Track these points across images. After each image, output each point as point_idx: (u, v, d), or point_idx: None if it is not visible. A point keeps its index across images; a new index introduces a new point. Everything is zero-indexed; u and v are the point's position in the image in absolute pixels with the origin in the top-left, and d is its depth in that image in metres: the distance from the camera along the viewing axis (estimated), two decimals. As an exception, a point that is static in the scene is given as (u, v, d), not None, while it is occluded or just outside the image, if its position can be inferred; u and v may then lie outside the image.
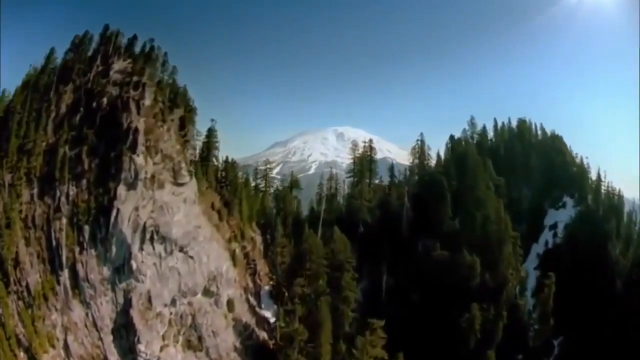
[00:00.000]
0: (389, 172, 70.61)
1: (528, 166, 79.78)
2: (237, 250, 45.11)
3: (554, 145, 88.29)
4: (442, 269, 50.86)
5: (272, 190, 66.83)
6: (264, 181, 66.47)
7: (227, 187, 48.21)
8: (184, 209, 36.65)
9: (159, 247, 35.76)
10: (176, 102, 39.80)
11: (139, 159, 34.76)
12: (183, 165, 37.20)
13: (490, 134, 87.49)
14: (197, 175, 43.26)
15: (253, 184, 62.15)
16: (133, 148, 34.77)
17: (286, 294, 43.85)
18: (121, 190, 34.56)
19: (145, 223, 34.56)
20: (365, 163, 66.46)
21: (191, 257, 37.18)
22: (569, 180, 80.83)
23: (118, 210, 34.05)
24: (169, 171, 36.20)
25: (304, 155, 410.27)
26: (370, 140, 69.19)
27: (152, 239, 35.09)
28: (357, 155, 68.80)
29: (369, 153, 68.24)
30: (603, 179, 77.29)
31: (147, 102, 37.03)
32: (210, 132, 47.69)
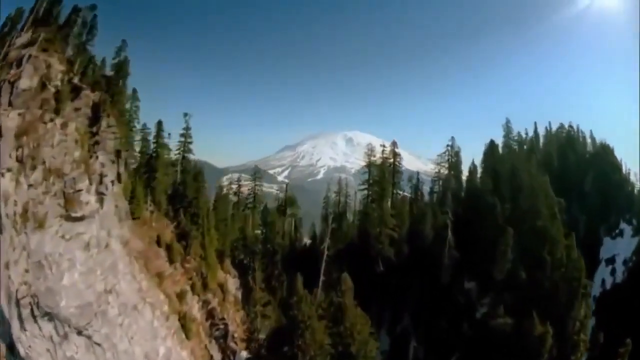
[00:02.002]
0: (410, 184, 52.77)
1: (583, 184, 61.31)
2: (196, 309, 28.06)
3: (608, 159, 69.99)
4: (499, 336, 33.21)
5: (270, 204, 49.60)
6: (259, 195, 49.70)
7: (186, 210, 30.48)
8: (82, 261, 19.53)
9: (48, 327, 18.79)
10: (87, 80, 22.29)
11: (4, 181, 17.83)
12: (85, 183, 19.91)
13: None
14: (134, 193, 26.24)
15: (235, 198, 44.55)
16: (-6, 162, 17.83)
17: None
18: (-15, 234, 17.85)
19: (17, 290, 17.72)
20: (387, 174, 47.34)
21: (97, 344, 20.11)
22: (626, 203, 63.09)
23: (-14, 267, 17.67)
24: (57, 197, 18.98)
25: (312, 159, 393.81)
26: (394, 144, 49.38)
27: (33, 315, 18.23)
28: (374, 161, 49.08)
29: (391, 160, 48.83)
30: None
31: (26, 83, 19.82)
32: (159, 128, 29.83)
